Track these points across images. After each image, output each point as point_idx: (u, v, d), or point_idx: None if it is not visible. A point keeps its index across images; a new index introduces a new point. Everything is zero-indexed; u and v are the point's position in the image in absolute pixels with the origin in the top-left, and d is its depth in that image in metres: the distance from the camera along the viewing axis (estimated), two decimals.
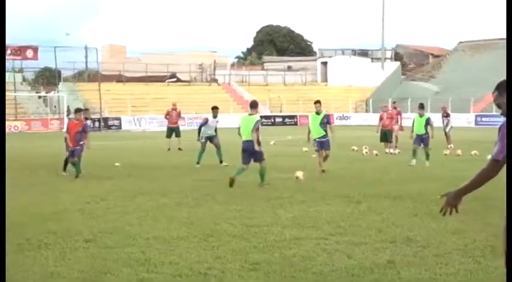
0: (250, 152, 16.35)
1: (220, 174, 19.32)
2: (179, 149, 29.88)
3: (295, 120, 69.72)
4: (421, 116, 23.09)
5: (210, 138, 22.80)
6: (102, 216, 11.79)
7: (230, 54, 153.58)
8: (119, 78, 76.98)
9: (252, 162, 16.52)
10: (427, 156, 22.38)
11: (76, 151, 19.00)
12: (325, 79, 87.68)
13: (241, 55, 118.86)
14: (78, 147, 19.10)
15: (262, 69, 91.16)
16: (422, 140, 22.67)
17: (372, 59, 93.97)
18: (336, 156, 22.59)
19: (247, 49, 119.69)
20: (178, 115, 32.28)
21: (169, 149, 30.23)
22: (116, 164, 22.89)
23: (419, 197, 13.89)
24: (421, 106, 23.67)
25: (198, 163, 22.17)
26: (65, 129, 19.99)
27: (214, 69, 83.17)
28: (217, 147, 22.79)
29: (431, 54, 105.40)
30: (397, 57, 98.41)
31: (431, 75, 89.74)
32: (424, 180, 17.20)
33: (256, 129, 16.27)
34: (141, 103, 67.07)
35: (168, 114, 32.08)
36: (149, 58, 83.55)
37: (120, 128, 61.36)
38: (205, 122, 22.79)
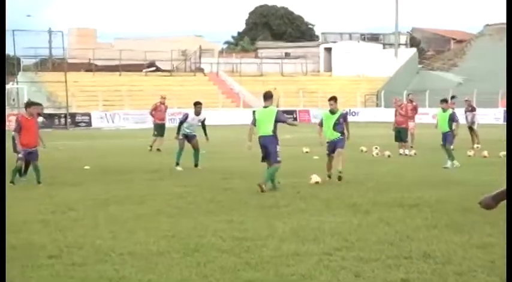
0: (267, 148, 16.99)
1: (206, 178, 19.35)
2: (158, 150, 29.91)
3: (294, 115, 69.78)
4: (444, 110, 23.42)
5: (188, 137, 22.78)
6: (69, 229, 11.79)
7: (218, 39, 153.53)
8: (89, 68, 76.92)
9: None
10: (449, 156, 22.57)
11: (34, 153, 18.91)
12: (329, 68, 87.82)
13: (231, 40, 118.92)
14: (37, 147, 19.00)
15: (256, 56, 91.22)
16: (445, 138, 22.97)
17: (383, 44, 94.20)
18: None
19: (238, 33, 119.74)
20: (166, 110, 32.48)
21: (151, 150, 30.24)
22: (86, 167, 22.88)
23: (439, 206, 13.93)
24: (444, 100, 23.95)
25: (177, 164, 22.21)
26: (13, 127, 19.53)
27: (200, 57, 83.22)
28: (195, 148, 22.83)
29: (453, 39, 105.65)
30: (413, 42, 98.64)
31: (453, 63, 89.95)
32: (445, 186, 17.23)
33: (283, 120, 17.50)
34: (114, 96, 67.01)
35: (155, 109, 32.23)
36: (124, 44, 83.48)
37: (90, 126, 61.33)
38: (184, 119, 22.75)
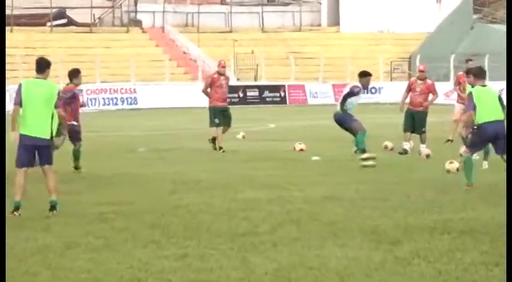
0: (501, 138, 18.95)
1: (146, 191, 19.35)
2: (220, 148, 28.18)
3: (282, 93, 69.85)
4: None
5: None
6: None
7: None
8: None
9: None
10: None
11: None
12: (335, 21, 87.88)
13: None
14: None
15: (222, 3, 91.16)
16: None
17: None
18: (351, 160, 22.71)
19: None
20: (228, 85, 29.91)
21: (215, 148, 28.39)
22: None
23: (503, 232, 13.99)
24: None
25: (364, 151, 24.41)
26: None
27: (136, 4, 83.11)
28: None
29: None
30: None
31: None
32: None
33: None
34: (6, 63, 66.78)
35: (212, 84, 28.86)
36: None
37: None
38: (357, 92, 25.82)
